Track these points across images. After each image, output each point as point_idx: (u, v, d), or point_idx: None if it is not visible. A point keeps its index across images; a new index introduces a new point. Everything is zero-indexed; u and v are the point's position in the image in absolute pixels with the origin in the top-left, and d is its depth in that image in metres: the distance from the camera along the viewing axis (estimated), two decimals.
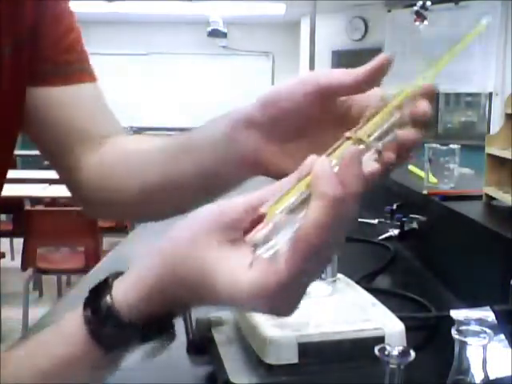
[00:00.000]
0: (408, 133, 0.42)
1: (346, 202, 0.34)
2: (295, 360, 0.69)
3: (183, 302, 0.41)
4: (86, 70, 0.68)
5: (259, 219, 0.36)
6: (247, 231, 0.36)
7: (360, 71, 0.44)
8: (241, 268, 0.36)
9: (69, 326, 0.42)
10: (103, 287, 0.42)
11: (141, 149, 0.62)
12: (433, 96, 0.42)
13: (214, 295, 0.38)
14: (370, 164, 0.37)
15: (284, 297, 0.36)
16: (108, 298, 0.41)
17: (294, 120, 0.49)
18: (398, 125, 0.41)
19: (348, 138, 0.38)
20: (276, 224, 0.35)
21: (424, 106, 0.42)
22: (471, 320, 0.73)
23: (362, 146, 0.38)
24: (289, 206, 0.35)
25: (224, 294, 0.37)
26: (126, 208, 0.64)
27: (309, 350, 0.70)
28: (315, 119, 0.49)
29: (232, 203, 0.39)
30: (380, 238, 1.48)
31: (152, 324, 0.41)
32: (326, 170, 0.34)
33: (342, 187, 0.34)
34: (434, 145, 1.43)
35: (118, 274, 0.43)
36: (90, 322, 0.41)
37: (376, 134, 0.39)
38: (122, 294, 0.41)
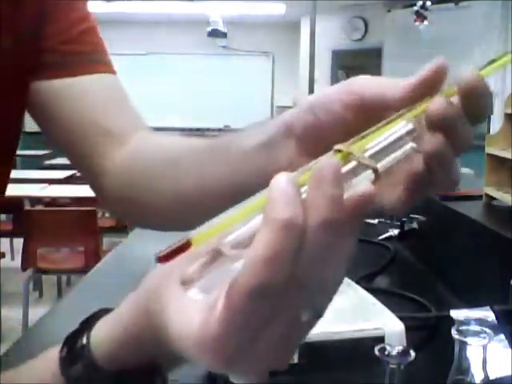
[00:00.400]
0: (426, 140, 0.34)
1: (310, 230, 0.27)
2: (295, 360, 0.69)
3: (164, 351, 0.34)
4: (99, 61, 0.65)
5: (182, 248, 0.28)
6: None
7: (410, 83, 0.37)
8: (195, 308, 0.30)
9: (54, 351, 0.40)
10: (88, 323, 0.39)
11: (172, 149, 0.58)
12: (472, 92, 0.34)
13: (170, 339, 0.31)
14: (364, 185, 0.28)
15: (239, 351, 0.28)
16: (85, 336, 0.38)
17: (328, 133, 0.42)
18: (418, 138, 0.33)
19: (337, 152, 0.30)
20: (214, 256, 0.28)
21: (437, 103, 0.34)
22: (471, 320, 0.73)
23: (353, 163, 0.30)
24: (240, 233, 0.28)
25: (178, 340, 0.30)
26: (158, 212, 0.60)
27: (309, 349, 0.70)
28: (352, 133, 0.39)
29: None
30: (380, 238, 1.48)
31: (130, 372, 0.37)
32: (280, 189, 0.27)
33: (303, 211, 0.27)
34: None
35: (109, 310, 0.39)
36: (62, 359, 0.38)
37: (374, 150, 0.31)
38: (101, 334, 0.38)
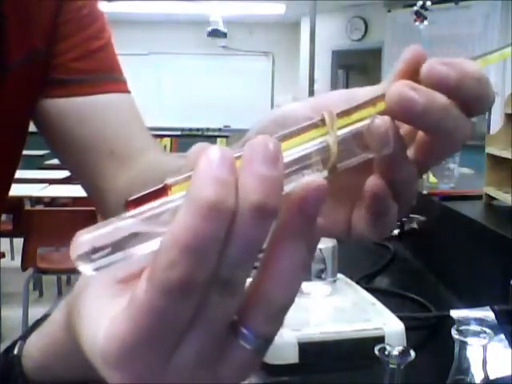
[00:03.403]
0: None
1: (240, 216, 0.21)
2: (295, 360, 0.69)
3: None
4: (112, 80, 0.64)
5: (157, 194, 0.23)
6: None
7: (383, 85, 0.31)
8: (106, 308, 0.24)
9: None
10: (28, 331, 0.37)
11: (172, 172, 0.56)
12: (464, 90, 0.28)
13: (84, 348, 0.25)
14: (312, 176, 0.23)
15: (152, 368, 0.22)
16: (17, 346, 0.36)
17: None
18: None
19: (317, 125, 0.25)
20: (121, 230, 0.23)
21: (379, 122, 0.26)
22: (471, 320, 0.73)
23: (317, 144, 0.25)
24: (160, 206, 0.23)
25: (88, 350, 0.24)
26: None
27: (309, 349, 0.70)
28: None
29: None
30: None
31: None
32: (208, 163, 0.21)
33: (234, 191, 0.21)
34: None
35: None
36: None
37: (342, 132, 0.26)
38: (32, 343, 0.35)
